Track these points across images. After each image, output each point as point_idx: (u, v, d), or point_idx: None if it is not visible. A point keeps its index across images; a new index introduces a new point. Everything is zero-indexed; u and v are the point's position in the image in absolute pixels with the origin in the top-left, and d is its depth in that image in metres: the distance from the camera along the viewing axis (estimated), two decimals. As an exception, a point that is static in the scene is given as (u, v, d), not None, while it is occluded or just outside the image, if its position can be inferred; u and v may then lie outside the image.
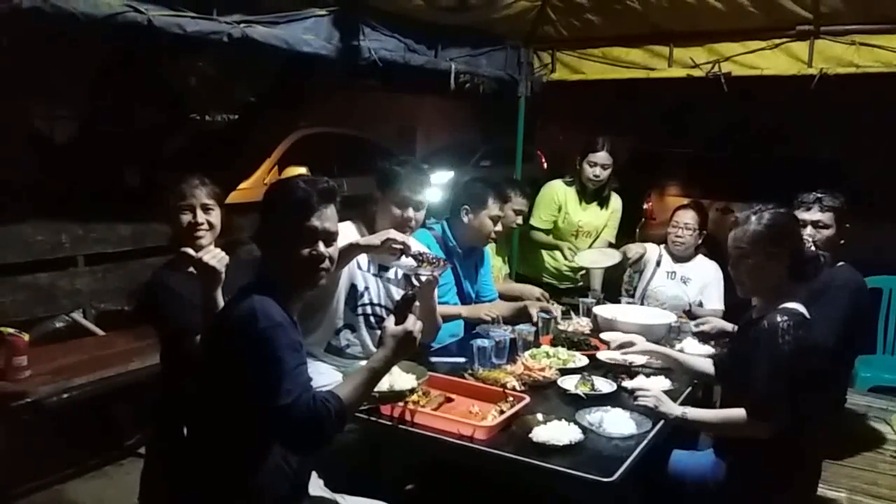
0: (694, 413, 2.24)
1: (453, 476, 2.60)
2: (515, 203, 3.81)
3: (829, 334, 2.55)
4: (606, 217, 4.19)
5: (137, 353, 3.44)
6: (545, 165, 12.37)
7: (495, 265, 3.91)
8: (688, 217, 3.80)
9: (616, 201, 4.23)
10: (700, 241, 3.83)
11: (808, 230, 2.78)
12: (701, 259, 3.88)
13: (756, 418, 2.09)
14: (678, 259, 3.86)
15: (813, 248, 2.71)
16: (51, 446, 3.31)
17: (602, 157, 3.98)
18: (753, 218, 2.21)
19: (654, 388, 2.35)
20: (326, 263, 1.80)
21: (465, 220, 3.28)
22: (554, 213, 4.10)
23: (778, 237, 2.20)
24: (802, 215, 2.81)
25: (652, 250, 3.94)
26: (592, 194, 4.10)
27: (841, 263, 2.82)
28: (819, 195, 2.84)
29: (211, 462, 1.73)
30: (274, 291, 1.72)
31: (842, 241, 2.84)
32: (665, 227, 3.93)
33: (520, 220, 3.86)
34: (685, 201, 4.28)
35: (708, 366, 2.55)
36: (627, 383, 2.49)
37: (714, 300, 3.75)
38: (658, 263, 3.88)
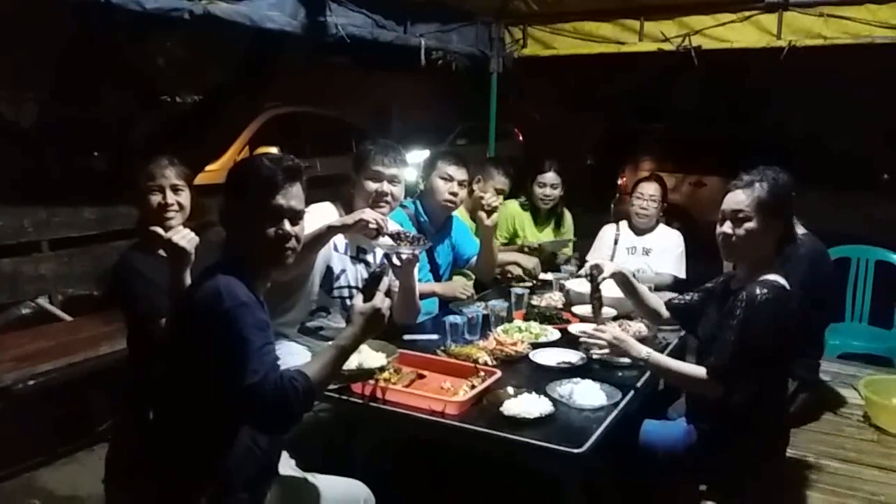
0: (656, 357, 2.26)
1: (428, 452, 2.60)
2: (497, 182, 3.79)
3: None
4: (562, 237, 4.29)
5: (106, 338, 3.38)
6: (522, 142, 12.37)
7: None
8: (651, 189, 3.83)
9: (569, 219, 4.31)
10: (662, 213, 3.86)
11: None
12: (662, 229, 3.92)
13: (714, 380, 2.12)
14: (639, 232, 3.88)
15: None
16: (20, 434, 3.26)
17: (550, 177, 4.04)
18: (757, 184, 2.17)
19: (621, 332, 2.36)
20: (293, 242, 1.77)
21: (423, 188, 3.29)
22: (509, 231, 4.11)
23: (780, 206, 2.18)
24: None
25: (607, 231, 3.97)
26: (546, 215, 4.15)
27: (803, 233, 2.81)
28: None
29: (178, 444, 1.71)
30: (239, 271, 1.69)
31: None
32: (637, 200, 3.95)
33: (500, 199, 3.76)
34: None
35: (659, 305, 2.59)
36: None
37: (668, 266, 3.77)
38: (616, 242, 3.90)
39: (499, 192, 3.79)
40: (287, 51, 5.64)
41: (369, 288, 1.84)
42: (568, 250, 4.22)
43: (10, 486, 3.14)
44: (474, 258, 3.41)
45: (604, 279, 2.56)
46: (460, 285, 3.24)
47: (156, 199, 2.29)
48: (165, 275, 2.14)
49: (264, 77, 5.96)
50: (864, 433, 2.70)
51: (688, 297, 2.55)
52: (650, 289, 3.25)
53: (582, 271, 2.73)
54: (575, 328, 2.84)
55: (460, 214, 3.62)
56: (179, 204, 2.32)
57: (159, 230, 2.20)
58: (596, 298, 2.55)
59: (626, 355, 2.29)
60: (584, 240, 4.28)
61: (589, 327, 2.77)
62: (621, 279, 2.62)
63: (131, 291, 2.21)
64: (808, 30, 3.92)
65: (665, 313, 2.59)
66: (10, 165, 4.84)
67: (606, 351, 2.29)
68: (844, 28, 3.86)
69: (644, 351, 2.26)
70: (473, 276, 3.58)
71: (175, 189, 2.31)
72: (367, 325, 1.78)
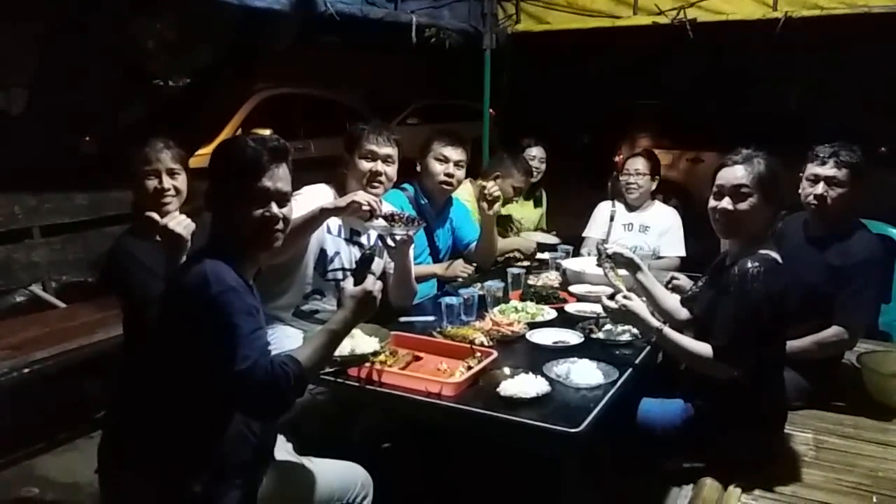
0: (669, 331, 2.23)
1: (425, 434, 2.60)
2: (516, 180, 3.83)
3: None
4: (539, 214, 4.34)
5: (101, 325, 3.36)
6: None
7: None
8: (638, 163, 3.82)
9: (544, 199, 4.41)
10: (654, 188, 3.84)
11: (821, 187, 2.64)
12: (658, 206, 3.90)
13: (720, 361, 2.11)
14: (634, 208, 3.86)
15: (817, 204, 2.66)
16: (18, 422, 3.25)
17: (538, 151, 4.19)
18: (756, 159, 2.16)
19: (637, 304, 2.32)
20: (280, 224, 1.75)
21: (420, 169, 3.26)
22: None
23: (778, 182, 2.18)
24: (816, 169, 2.67)
25: (603, 208, 3.95)
26: (528, 191, 4.19)
27: (864, 232, 2.74)
28: (834, 148, 2.65)
29: (171, 431, 1.69)
30: (227, 255, 1.67)
31: (855, 200, 2.67)
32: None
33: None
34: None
35: (677, 308, 2.53)
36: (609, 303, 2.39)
37: (675, 247, 3.77)
38: (612, 219, 3.88)
39: (517, 190, 3.79)
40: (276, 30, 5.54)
41: (360, 270, 1.82)
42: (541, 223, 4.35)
43: (9, 474, 3.14)
44: (474, 244, 3.38)
45: (613, 252, 2.55)
46: (460, 265, 3.22)
47: (151, 183, 2.23)
48: (161, 260, 2.10)
49: (255, 58, 5.89)
50: (863, 408, 2.69)
51: (695, 289, 2.51)
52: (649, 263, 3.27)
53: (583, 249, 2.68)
54: (572, 307, 2.83)
55: (471, 205, 3.59)
56: (176, 188, 2.26)
57: (155, 216, 2.15)
58: (607, 265, 2.53)
59: (637, 327, 2.27)
60: (580, 218, 4.26)
61: (585, 307, 2.77)
62: (635, 270, 2.57)
63: (127, 277, 2.16)
64: (805, 0, 3.87)
65: (682, 314, 2.50)
66: (-1, 152, 4.79)
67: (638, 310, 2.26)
68: (841, -3, 3.81)
69: (656, 324, 2.24)
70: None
71: (171, 173, 2.25)
72: (358, 308, 1.76)
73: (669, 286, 2.78)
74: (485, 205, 3.13)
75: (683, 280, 2.80)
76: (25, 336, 3.23)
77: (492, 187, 3.14)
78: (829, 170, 2.65)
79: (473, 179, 3.85)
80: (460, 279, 3.20)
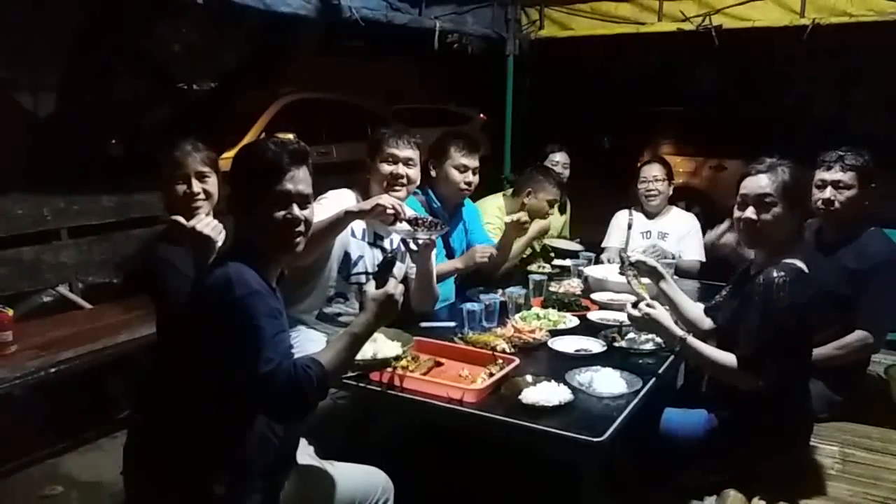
0: (692, 342, 2.21)
1: (446, 439, 2.60)
2: (549, 193, 3.75)
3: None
4: (563, 222, 4.33)
5: (126, 326, 3.39)
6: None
7: None
8: (654, 170, 3.81)
9: (568, 206, 4.41)
10: (671, 193, 3.83)
11: (829, 191, 2.67)
12: (676, 211, 3.89)
13: (744, 371, 2.08)
14: (652, 216, 3.84)
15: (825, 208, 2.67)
16: (43, 421, 3.30)
17: (562, 156, 4.21)
18: (780, 168, 2.15)
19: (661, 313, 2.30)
20: (302, 227, 1.76)
21: (434, 175, 3.24)
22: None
23: (803, 191, 2.19)
24: (822, 175, 2.70)
25: (621, 216, 3.93)
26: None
27: (872, 229, 2.73)
28: (841, 153, 2.69)
29: (194, 434, 1.71)
30: (250, 258, 1.68)
31: (866, 203, 2.68)
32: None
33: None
34: (677, 160, 4.29)
35: (700, 317, 2.49)
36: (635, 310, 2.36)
37: (693, 251, 3.74)
38: (629, 227, 3.85)
39: (551, 203, 3.76)
40: (301, 35, 5.59)
41: (382, 274, 1.82)
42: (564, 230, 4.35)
43: (34, 473, 3.19)
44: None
45: (636, 259, 2.53)
46: (478, 252, 3.14)
47: (181, 188, 2.20)
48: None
49: (279, 62, 5.94)
50: (891, 421, 2.64)
51: (719, 299, 2.48)
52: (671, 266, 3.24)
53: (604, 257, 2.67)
54: (594, 315, 2.82)
55: (499, 220, 3.58)
56: (206, 192, 2.23)
57: (181, 219, 2.14)
58: (630, 273, 2.51)
59: (661, 336, 2.26)
60: (602, 224, 4.24)
61: (607, 315, 2.76)
62: (658, 278, 2.53)
63: (164, 283, 2.13)
64: (833, 7, 3.83)
65: (706, 324, 2.46)
66: (29, 154, 4.87)
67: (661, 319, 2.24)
68: (870, 4, 3.76)
69: (680, 334, 2.22)
70: None
71: (201, 177, 2.23)
72: (380, 311, 1.76)
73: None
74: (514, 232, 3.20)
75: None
76: (52, 336, 3.26)
77: (522, 216, 3.21)
78: (835, 174, 2.68)
79: (506, 195, 3.85)
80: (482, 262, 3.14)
